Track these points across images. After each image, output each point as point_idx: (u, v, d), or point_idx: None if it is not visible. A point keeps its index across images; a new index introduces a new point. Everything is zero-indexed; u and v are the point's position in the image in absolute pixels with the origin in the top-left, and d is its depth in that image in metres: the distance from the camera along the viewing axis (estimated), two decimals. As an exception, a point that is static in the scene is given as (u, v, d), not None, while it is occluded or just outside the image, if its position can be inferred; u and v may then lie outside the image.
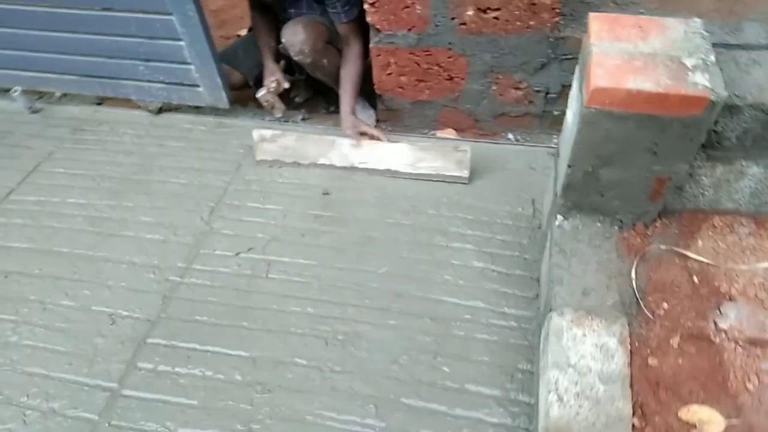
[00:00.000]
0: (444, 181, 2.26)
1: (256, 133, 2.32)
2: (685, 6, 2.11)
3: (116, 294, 1.92)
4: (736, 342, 1.45)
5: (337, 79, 2.48)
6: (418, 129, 2.56)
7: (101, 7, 2.31)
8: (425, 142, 2.25)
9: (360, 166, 2.30)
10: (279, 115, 2.58)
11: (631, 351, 1.44)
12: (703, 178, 1.57)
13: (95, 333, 1.81)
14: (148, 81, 2.54)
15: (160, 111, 2.66)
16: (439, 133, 2.55)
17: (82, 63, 2.55)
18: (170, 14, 2.25)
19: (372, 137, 2.32)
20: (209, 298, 1.88)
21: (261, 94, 2.48)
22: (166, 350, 1.75)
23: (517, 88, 2.31)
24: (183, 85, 2.52)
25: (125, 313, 1.86)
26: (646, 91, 1.29)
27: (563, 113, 2.18)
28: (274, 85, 2.47)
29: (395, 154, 2.27)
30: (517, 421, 1.58)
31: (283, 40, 2.34)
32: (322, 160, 2.32)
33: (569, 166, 1.53)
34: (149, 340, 1.79)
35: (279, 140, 2.31)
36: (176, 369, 1.70)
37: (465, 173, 2.23)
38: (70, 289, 1.94)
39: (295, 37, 2.29)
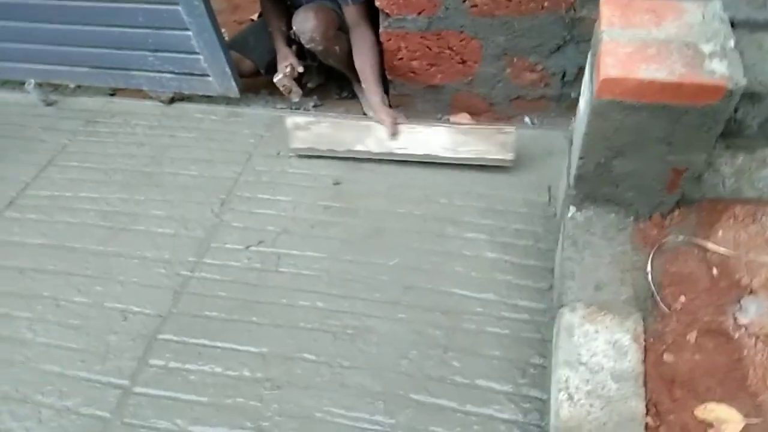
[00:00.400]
0: (478, 167, 2.19)
1: (290, 121, 2.26)
2: (708, -19, 2.01)
3: (128, 289, 1.93)
4: (757, 338, 1.40)
5: (349, 65, 2.44)
6: (432, 114, 2.51)
7: (108, -1, 2.29)
8: (466, 126, 2.16)
9: (398, 151, 2.23)
10: (296, 99, 2.54)
11: (645, 347, 1.40)
12: (724, 166, 1.50)
13: (108, 330, 1.82)
14: (158, 71, 2.52)
15: (172, 101, 2.65)
16: (453, 118, 2.49)
17: (92, 55, 2.54)
18: (176, 4, 2.22)
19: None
20: (219, 293, 1.88)
21: (278, 78, 2.45)
22: (177, 346, 1.76)
23: (533, 71, 2.24)
24: (193, 75, 2.49)
25: (137, 309, 1.87)
26: (659, 81, 1.23)
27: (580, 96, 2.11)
28: (288, 69, 2.44)
29: (435, 138, 2.19)
30: (528, 417, 1.55)
31: (294, 27, 2.30)
32: (358, 147, 2.26)
33: (581, 158, 1.47)
34: (160, 336, 1.79)
35: (313, 128, 2.26)
36: (187, 366, 1.70)
37: (509, 156, 2.13)
38: (83, 285, 1.95)
39: (306, 24, 2.25)
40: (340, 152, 2.27)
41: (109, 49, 2.49)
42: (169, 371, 1.70)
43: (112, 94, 2.79)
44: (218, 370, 1.69)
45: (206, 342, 1.76)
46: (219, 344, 1.75)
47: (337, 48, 2.35)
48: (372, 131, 2.23)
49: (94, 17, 2.38)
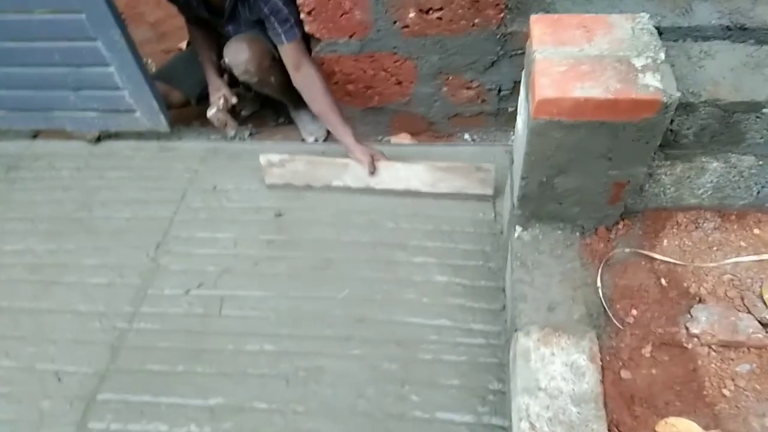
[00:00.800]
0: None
1: (263, 159, 2.18)
2: (634, -12, 2.04)
3: (62, 348, 1.80)
4: (709, 346, 1.40)
5: (285, 91, 2.35)
6: (373, 135, 2.47)
7: (20, 38, 2.15)
8: (444, 162, 2.10)
9: (377, 186, 2.17)
10: (232, 132, 2.46)
11: (602, 366, 1.38)
12: (663, 176, 1.50)
13: (41, 395, 1.69)
14: (82, 110, 2.39)
15: (98, 140, 2.52)
16: (394, 139, 2.46)
17: (9, 97, 2.39)
18: (95, 40, 2.11)
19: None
20: (160, 344, 1.77)
21: (211, 113, 2.35)
22: (118, 406, 1.64)
23: (469, 88, 2.23)
24: (118, 111, 2.38)
25: (72, 369, 1.75)
26: (594, 99, 1.22)
27: (517, 110, 2.11)
28: (222, 101, 2.35)
29: (414, 174, 2.13)
30: (492, 447, 1.51)
31: (226, 60, 2.20)
32: (336, 183, 2.19)
33: (523, 178, 1.45)
34: (99, 397, 1.67)
35: (288, 165, 2.18)
36: (129, 426, 1.59)
37: (489, 191, 2.10)
38: (12, 347, 1.82)
39: (239, 56, 2.16)
40: (317, 187, 2.21)
41: (26, 90, 2.35)
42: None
43: (34, 137, 2.63)
44: (163, 428, 1.58)
45: (149, 399, 1.65)
46: (163, 400, 1.65)
47: (272, 78, 2.27)
48: (349, 168, 2.15)
49: (7, 58, 2.24)
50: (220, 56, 2.30)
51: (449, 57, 2.11)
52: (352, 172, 2.16)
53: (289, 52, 2.08)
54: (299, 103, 2.38)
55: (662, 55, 1.27)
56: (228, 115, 2.39)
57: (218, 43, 2.34)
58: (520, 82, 2.15)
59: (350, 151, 2.14)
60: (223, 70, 2.41)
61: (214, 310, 1.85)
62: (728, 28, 1.89)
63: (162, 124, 2.40)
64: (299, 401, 1.61)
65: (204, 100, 2.47)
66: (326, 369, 1.68)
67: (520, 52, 2.07)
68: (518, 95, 2.18)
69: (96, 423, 1.61)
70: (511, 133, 2.38)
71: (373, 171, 2.12)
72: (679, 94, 1.21)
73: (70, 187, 2.33)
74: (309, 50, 2.16)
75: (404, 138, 2.44)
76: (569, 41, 1.32)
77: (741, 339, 1.36)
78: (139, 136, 2.51)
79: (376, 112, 2.38)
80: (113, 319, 1.86)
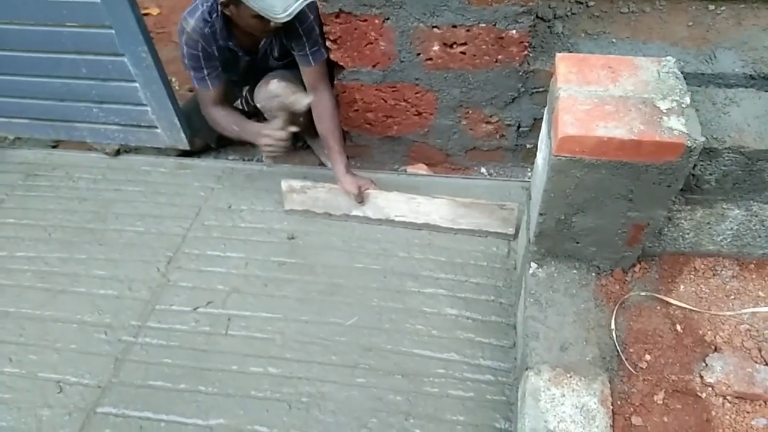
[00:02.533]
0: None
1: (285, 184, 2.17)
2: (657, 35, 2.05)
3: (65, 358, 1.79)
4: (724, 397, 1.37)
5: (308, 126, 2.36)
6: (389, 164, 2.47)
7: (49, 49, 2.19)
8: (467, 198, 2.08)
9: (397, 219, 2.16)
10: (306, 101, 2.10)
11: (613, 411, 1.35)
12: (683, 221, 1.49)
13: (41, 403, 1.68)
14: (103, 123, 2.42)
15: (118, 153, 2.54)
16: (410, 168, 2.46)
17: (33, 106, 2.43)
18: (122, 55, 2.15)
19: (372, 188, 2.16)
20: (164, 360, 1.76)
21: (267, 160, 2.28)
22: (117, 420, 1.62)
23: (488, 123, 2.23)
24: (140, 126, 2.40)
25: (74, 380, 1.73)
26: (618, 139, 1.21)
27: (536, 146, 2.10)
28: (270, 146, 2.11)
29: (435, 209, 2.11)
30: (495, 488, 1.47)
31: (259, 105, 2.19)
32: (355, 212, 2.18)
33: (541, 214, 1.44)
34: (99, 410, 1.65)
35: (309, 192, 2.18)
36: (127, 442, 1.57)
37: (510, 231, 2.08)
38: (15, 353, 1.81)
39: (272, 101, 2.12)
40: (336, 216, 2.20)
41: (51, 100, 2.39)
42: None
43: (53, 146, 2.66)
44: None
45: (150, 415, 1.63)
46: (163, 417, 1.63)
47: (300, 117, 2.29)
48: (370, 198, 2.14)
49: (34, 68, 2.28)
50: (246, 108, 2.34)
51: (470, 91, 2.12)
52: (372, 203, 2.15)
53: (311, 73, 2.11)
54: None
55: (687, 99, 1.27)
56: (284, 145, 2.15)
57: (233, 94, 2.38)
58: (539, 119, 2.17)
59: (339, 180, 2.13)
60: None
61: (220, 329, 1.83)
62: (751, 77, 1.90)
63: (182, 141, 2.42)
64: (300, 428, 1.58)
65: (224, 141, 2.52)
66: (330, 396, 1.65)
67: (541, 89, 2.08)
68: (537, 132, 2.19)
69: (93, 437, 1.59)
70: (529, 169, 2.38)
71: (361, 201, 2.13)
72: (703, 139, 1.20)
73: (86, 198, 2.34)
74: (332, 80, 2.19)
75: (420, 168, 2.45)
76: (594, 81, 1.32)
77: (758, 391, 1.33)
78: (158, 151, 2.53)
79: (393, 141, 2.38)
80: (119, 332, 1.85)
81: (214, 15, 1.94)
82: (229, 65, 2.16)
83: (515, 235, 2.08)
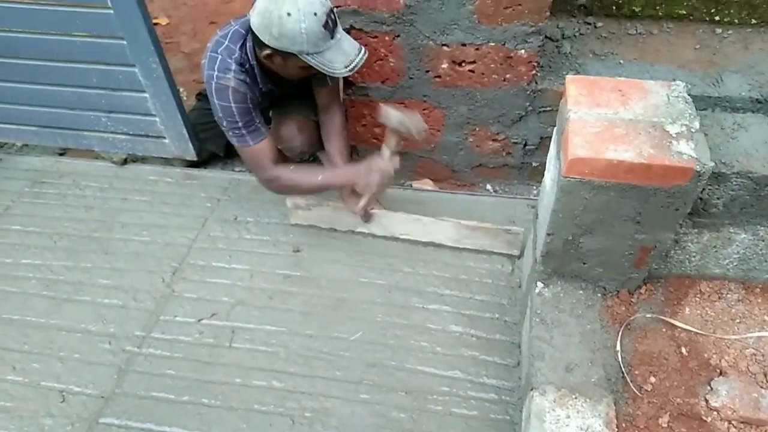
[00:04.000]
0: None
1: (290, 202, 2.17)
2: (665, 57, 2.07)
3: (68, 367, 1.79)
4: (729, 422, 1.36)
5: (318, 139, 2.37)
6: (395, 179, 2.47)
7: (61, 58, 2.21)
8: (472, 221, 2.07)
9: (402, 237, 2.17)
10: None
11: (618, 433, 1.35)
12: (690, 244, 1.49)
13: (44, 412, 1.67)
14: (112, 132, 2.43)
15: (125, 162, 2.55)
16: (416, 184, 2.47)
17: (41, 114, 2.44)
18: (133, 66, 2.16)
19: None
20: (168, 371, 1.75)
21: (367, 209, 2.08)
22: (119, 431, 1.62)
23: (495, 140, 2.25)
24: (148, 136, 2.41)
25: (77, 389, 1.73)
26: (627, 162, 1.22)
27: (542, 164, 2.11)
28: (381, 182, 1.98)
29: (440, 230, 2.11)
30: None
31: (279, 146, 2.15)
32: (360, 229, 2.19)
33: (548, 234, 1.45)
34: (102, 420, 1.65)
35: (314, 209, 2.18)
36: (129, 454, 1.57)
37: (515, 252, 2.09)
38: (19, 361, 1.80)
39: (294, 142, 2.18)
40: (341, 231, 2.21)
41: (60, 108, 2.40)
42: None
43: (61, 154, 2.67)
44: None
45: (152, 427, 1.63)
46: (166, 429, 1.62)
47: (317, 147, 2.31)
48: (375, 217, 2.15)
49: (46, 76, 2.29)
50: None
51: (478, 108, 2.14)
52: (378, 222, 2.16)
53: (327, 92, 2.10)
54: None
55: (696, 124, 1.28)
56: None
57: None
58: (546, 137, 2.18)
59: (344, 199, 2.10)
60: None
61: (224, 342, 1.83)
62: (758, 101, 1.91)
63: (190, 152, 2.43)
64: (303, 443, 1.58)
65: (231, 150, 2.48)
66: (333, 412, 1.65)
67: (548, 108, 2.09)
68: (544, 151, 2.20)
69: (93, 449, 1.59)
70: (534, 187, 2.38)
71: (367, 221, 2.13)
72: (712, 164, 1.21)
73: (92, 206, 2.35)
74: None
75: (426, 184, 2.45)
76: (604, 103, 1.33)
77: (763, 417, 1.33)
78: (165, 162, 2.54)
79: (400, 156, 2.39)
80: (123, 342, 1.84)
81: (247, 65, 1.85)
82: (263, 106, 2.07)
83: (520, 256, 2.08)
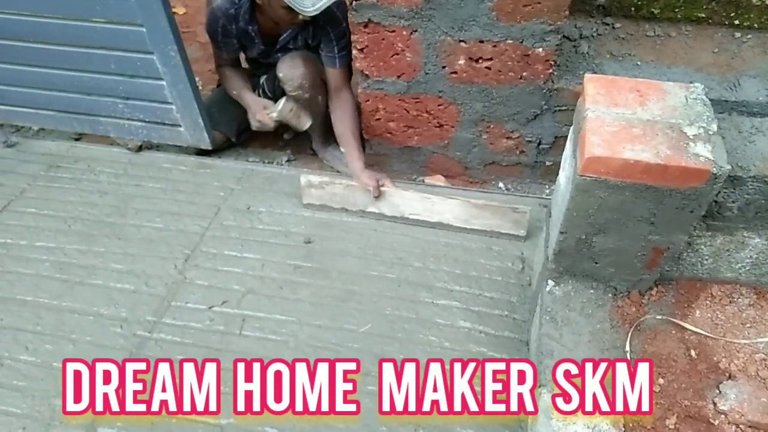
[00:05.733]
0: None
1: (304, 179, 2.21)
2: (682, 60, 2.06)
3: (80, 349, 1.81)
4: (737, 425, 1.36)
5: (323, 119, 2.41)
6: (407, 174, 2.49)
7: (80, 44, 2.22)
8: (480, 200, 2.13)
9: (411, 217, 2.20)
10: (308, 123, 2.37)
11: (625, 433, 1.35)
12: (703, 247, 1.49)
13: (54, 393, 1.69)
14: (128, 119, 2.45)
15: (140, 149, 2.57)
16: (428, 179, 2.47)
17: (59, 99, 2.46)
18: (151, 53, 2.18)
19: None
20: (177, 357, 1.77)
21: (282, 108, 2.28)
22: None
23: (509, 138, 2.25)
24: (164, 124, 2.43)
25: (88, 371, 1.75)
26: (644, 162, 1.22)
27: (556, 164, 2.11)
28: (285, 101, 2.28)
29: (449, 208, 2.15)
30: (502, 503, 1.47)
31: (279, 75, 2.25)
32: (371, 208, 2.23)
33: (561, 233, 1.45)
34: (111, 402, 1.66)
35: (327, 188, 2.22)
36: (138, 436, 1.58)
37: (522, 232, 2.13)
38: (31, 342, 1.83)
39: (295, 71, 2.22)
40: (351, 212, 2.25)
41: (77, 93, 2.42)
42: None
43: (77, 139, 2.70)
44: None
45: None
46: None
47: (319, 98, 2.33)
48: (386, 195, 2.19)
49: (64, 61, 2.31)
50: (254, 89, 2.43)
51: (493, 106, 2.14)
52: (388, 201, 2.19)
53: (337, 75, 2.20)
54: (329, 136, 2.47)
55: (714, 126, 1.28)
56: (300, 109, 2.33)
57: (250, 80, 2.48)
58: (560, 137, 2.18)
59: (357, 176, 2.20)
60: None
61: (234, 329, 1.85)
62: (776, 107, 1.89)
63: (204, 141, 2.45)
64: (311, 432, 1.59)
65: (243, 134, 2.58)
66: (341, 402, 1.66)
67: (564, 108, 2.09)
68: (557, 150, 2.21)
69: (105, 429, 1.60)
70: (547, 186, 2.38)
71: (377, 195, 2.18)
72: (729, 167, 1.21)
73: (107, 192, 2.37)
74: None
75: (438, 180, 2.46)
76: (622, 103, 1.33)
77: (771, 422, 1.32)
78: (179, 150, 2.56)
79: (413, 151, 2.40)
80: (134, 326, 1.86)
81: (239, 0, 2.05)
82: (243, 50, 2.31)
83: (526, 238, 2.13)
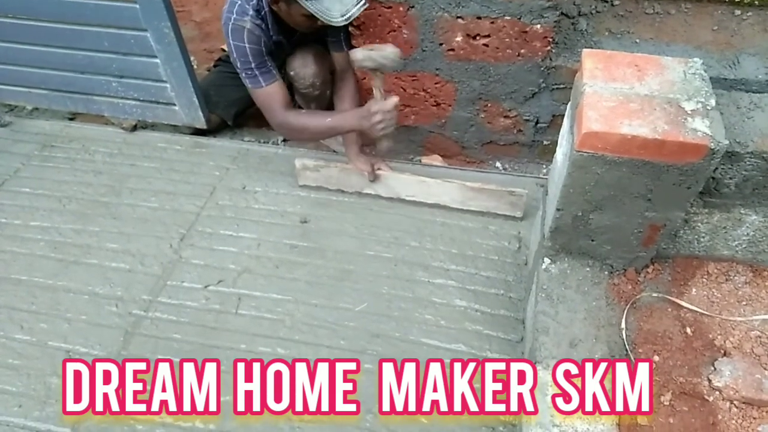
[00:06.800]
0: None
1: (299, 162, 2.20)
2: (681, 37, 2.04)
3: (75, 328, 1.80)
4: (731, 402, 1.37)
5: (328, 107, 2.38)
6: (404, 154, 2.47)
7: (72, 20, 2.20)
8: (477, 182, 2.12)
9: (408, 198, 2.20)
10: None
11: (620, 409, 1.35)
12: (699, 224, 1.48)
13: (50, 371, 1.70)
14: (122, 98, 2.43)
15: (134, 128, 2.55)
16: (425, 159, 2.46)
17: (53, 77, 2.43)
18: (145, 30, 2.15)
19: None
20: (173, 335, 1.77)
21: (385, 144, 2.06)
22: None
23: (506, 117, 2.23)
24: (158, 103, 2.41)
25: (83, 350, 1.75)
26: (641, 137, 1.21)
27: (553, 143, 2.09)
28: (382, 123, 1.96)
29: (446, 191, 2.15)
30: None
31: (291, 72, 2.18)
32: (367, 190, 2.22)
33: (558, 210, 1.44)
34: (107, 381, 1.66)
35: (322, 170, 2.21)
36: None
37: (518, 214, 2.13)
38: (26, 321, 1.82)
39: (307, 69, 2.16)
40: (349, 202, 2.23)
41: (71, 72, 2.39)
42: (115, 420, 1.57)
43: (71, 119, 2.67)
44: (168, 421, 1.57)
45: (157, 389, 1.64)
46: (171, 391, 1.63)
47: (327, 93, 2.30)
48: (382, 178, 2.18)
49: (56, 39, 2.28)
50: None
51: (490, 84, 2.12)
52: (384, 182, 2.18)
53: (344, 57, 2.13)
54: None
55: (713, 102, 1.27)
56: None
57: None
58: (558, 115, 2.17)
59: (352, 160, 2.18)
60: None
61: (230, 308, 1.84)
62: (775, 85, 1.88)
63: (200, 120, 2.43)
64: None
65: (238, 118, 2.53)
66: (337, 380, 1.66)
67: (562, 86, 2.07)
68: (555, 129, 2.19)
69: (100, 407, 1.60)
70: (544, 166, 2.37)
71: (373, 180, 2.17)
72: (727, 142, 1.20)
73: (101, 171, 2.35)
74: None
75: (435, 159, 2.44)
76: (620, 78, 1.32)
77: (765, 398, 1.33)
78: (175, 129, 2.54)
79: (410, 131, 2.38)
80: (130, 305, 1.86)
81: (262, 12, 1.93)
82: (275, 57, 2.11)
83: (522, 218, 2.13)
